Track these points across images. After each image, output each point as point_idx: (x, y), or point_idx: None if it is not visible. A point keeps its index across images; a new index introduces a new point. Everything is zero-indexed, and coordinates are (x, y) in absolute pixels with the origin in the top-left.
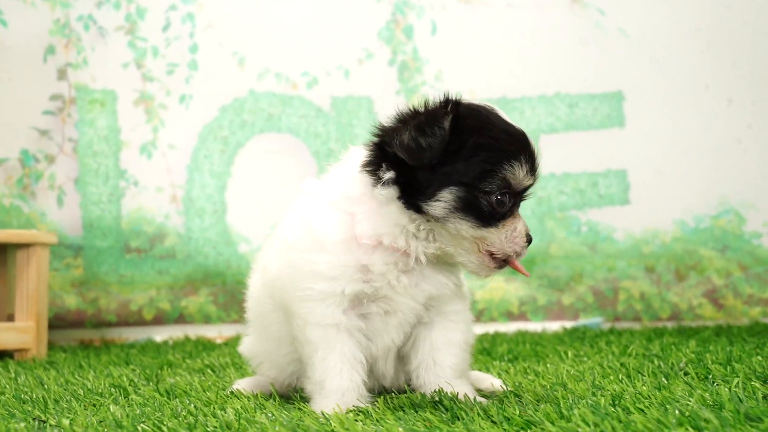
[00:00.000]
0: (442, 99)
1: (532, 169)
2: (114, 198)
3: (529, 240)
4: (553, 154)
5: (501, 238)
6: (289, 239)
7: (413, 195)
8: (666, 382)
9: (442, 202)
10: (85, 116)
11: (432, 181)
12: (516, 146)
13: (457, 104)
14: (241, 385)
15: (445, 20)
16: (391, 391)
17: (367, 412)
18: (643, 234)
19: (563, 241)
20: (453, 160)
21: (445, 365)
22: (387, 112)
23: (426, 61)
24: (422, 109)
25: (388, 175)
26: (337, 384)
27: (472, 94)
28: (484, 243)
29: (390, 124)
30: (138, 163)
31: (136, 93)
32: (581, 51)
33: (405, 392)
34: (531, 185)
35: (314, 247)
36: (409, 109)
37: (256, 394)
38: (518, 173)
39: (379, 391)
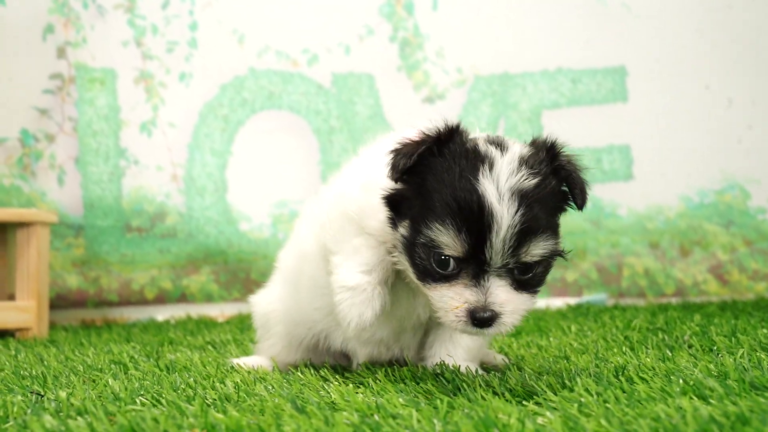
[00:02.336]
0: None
1: (472, 242)
2: (114, 177)
3: (480, 321)
4: (557, 130)
5: (437, 302)
6: (346, 193)
7: (397, 211)
8: (670, 354)
9: (399, 233)
10: (84, 95)
11: (409, 205)
12: (455, 206)
13: (451, 132)
14: (241, 361)
15: None
16: (393, 363)
17: (368, 383)
18: (647, 210)
19: (566, 217)
20: (423, 193)
21: (459, 344)
22: (388, 89)
23: (427, 37)
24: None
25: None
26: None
27: (473, 71)
28: None
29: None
30: (138, 141)
31: (136, 71)
32: (584, 25)
33: (407, 365)
34: (482, 260)
35: (366, 211)
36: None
37: (256, 368)
38: (448, 241)
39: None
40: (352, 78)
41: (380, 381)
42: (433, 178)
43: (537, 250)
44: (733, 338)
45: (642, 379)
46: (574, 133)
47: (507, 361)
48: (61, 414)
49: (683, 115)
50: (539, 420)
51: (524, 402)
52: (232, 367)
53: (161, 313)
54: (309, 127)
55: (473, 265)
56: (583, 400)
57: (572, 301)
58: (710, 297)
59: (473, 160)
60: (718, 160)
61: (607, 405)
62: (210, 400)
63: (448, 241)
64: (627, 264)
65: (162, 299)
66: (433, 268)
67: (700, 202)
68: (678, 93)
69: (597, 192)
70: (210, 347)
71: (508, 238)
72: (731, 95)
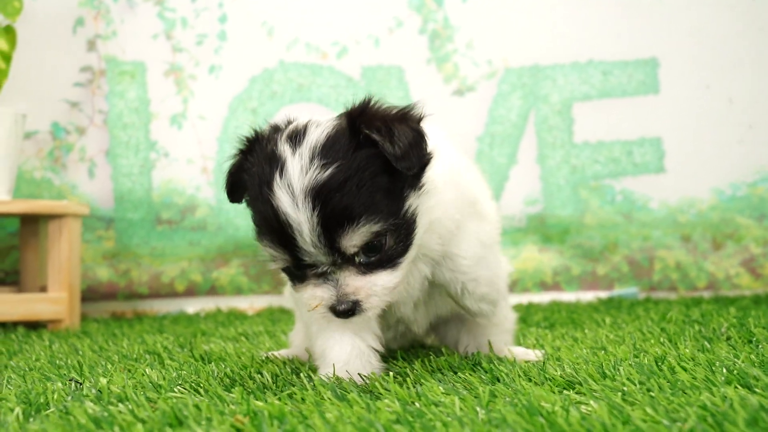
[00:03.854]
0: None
1: (289, 250)
2: (145, 170)
3: (342, 313)
4: (587, 123)
5: (303, 304)
6: None
7: None
8: (709, 345)
9: None
10: (114, 88)
11: None
12: (263, 221)
13: (253, 140)
14: (276, 353)
15: None
16: (429, 353)
17: (405, 373)
18: (678, 202)
19: (597, 211)
20: (251, 206)
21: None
22: (417, 82)
23: (457, 29)
24: None
25: None
26: (337, 354)
27: (504, 63)
28: None
29: None
30: (168, 134)
31: (166, 64)
32: (615, 17)
33: (443, 354)
34: (309, 265)
35: None
36: None
37: (291, 359)
38: (273, 253)
39: (415, 345)
40: (381, 71)
41: (417, 371)
42: (249, 191)
43: (356, 238)
44: None
45: (683, 368)
46: (606, 126)
47: (542, 355)
48: (102, 401)
49: (715, 107)
50: (583, 408)
51: (566, 390)
52: (268, 358)
53: (191, 306)
54: None
55: (316, 268)
56: (626, 388)
57: (603, 294)
58: (743, 291)
59: (269, 165)
60: (751, 153)
61: (651, 394)
62: (250, 389)
63: (273, 253)
64: (658, 257)
65: (192, 292)
66: (291, 272)
67: (733, 194)
68: (710, 84)
69: (628, 185)
70: (243, 338)
71: (316, 241)
72: (764, 86)
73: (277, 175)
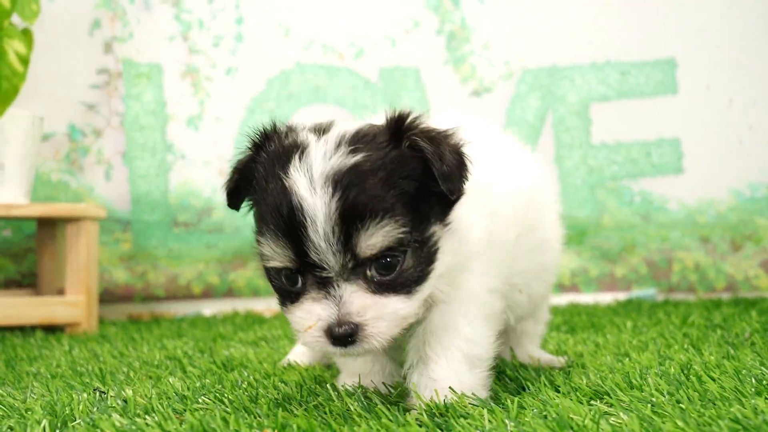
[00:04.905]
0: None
1: (293, 244)
2: (161, 172)
3: (340, 339)
4: (605, 123)
5: (293, 326)
6: None
7: None
8: (733, 352)
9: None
10: (131, 90)
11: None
12: (270, 210)
13: (267, 134)
14: (296, 356)
15: None
16: None
17: None
18: (697, 203)
19: (615, 212)
20: (256, 207)
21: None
22: (434, 83)
23: (474, 30)
24: None
25: None
26: (359, 367)
27: (521, 63)
28: None
29: None
30: (185, 136)
31: (183, 66)
32: (633, 17)
33: None
34: (312, 266)
35: None
36: None
37: (314, 365)
38: (270, 251)
39: None
40: (398, 72)
41: None
42: (257, 189)
43: (375, 238)
44: None
45: (711, 378)
46: (624, 126)
47: (564, 361)
48: (129, 412)
49: (734, 108)
50: (613, 420)
51: (592, 401)
52: (290, 365)
53: (208, 308)
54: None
55: (316, 275)
56: (655, 400)
57: (621, 296)
58: (762, 292)
59: (288, 154)
60: None
61: (681, 405)
62: (274, 399)
63: (270, 251)
64: (677, 258)
65: (209, 294)
66: (285, 287)
67: (752, 195)
68: (729, 85)
69: (646, 185)
70: (263, 343)
71: (329, 232)
72: None
73: (296, 159)
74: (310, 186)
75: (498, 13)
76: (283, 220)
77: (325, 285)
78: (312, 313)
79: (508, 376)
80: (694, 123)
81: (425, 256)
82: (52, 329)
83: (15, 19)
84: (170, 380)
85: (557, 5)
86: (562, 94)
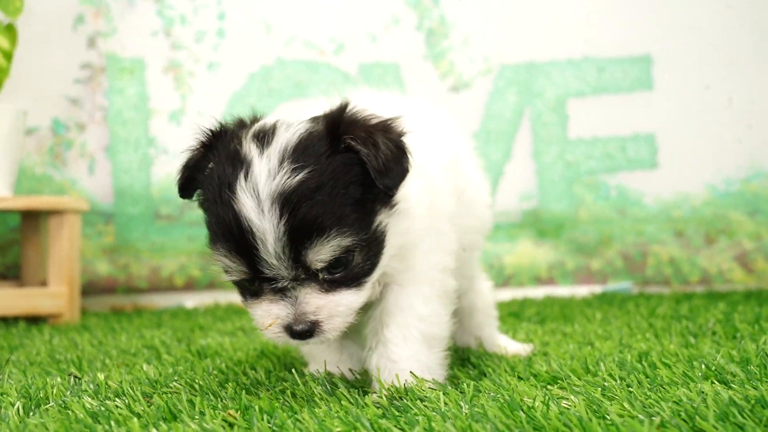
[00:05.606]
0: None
1: (247, 260)
2: (144, 165)
3: (299, 335)
4: (582, 119)
5: (255, 322)
6: None
7: None
8: (694, 341)
9: None
10: (114, 84)
11: None
12: (220, 228)
13: (215, 135)
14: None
15: None
16: None
17: None
18: (672, 198)
19: (592, 206)
20: (205, 208)
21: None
22: (414, 78)
23: (453, 26)
24: None
25: None
26: (327, 355)
27: (499, 59)
28: None
29: None
30: (167, 130)
31: (165, 61)
32: (609, 14)
33: None
34: (268, 278)
35: None
36: None
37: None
38: (227, 264)
39: None
40: (378, 67)
41: None
42: (206, 192)
43: (323, 253)
44: (756, 325)
45: (665, 364)
46: (600, 122)
47: (531, 349)
48: (100, 395)
49: (709, 104)
50: (563, 403)
51: (549, 386)
52: (262, 352)
53: (190, 300)
54: None
55: (275, 282)
56: (606, 384)
57: (597, 289)
58: (735, 285)
59: (232, 166)
60: (744, 149)
61: (630, 389)
62: (243, 385)
63: (229, 264)
64: (652, 252)
65: (191, 286)
66: (244, 285)
67: (726, 190)
68: (704, 81)
69: (622, 180)
70: (240, 333)
71: (280, 252)
72: (758, 81)
73: (241, 177)
74: (258, 208)
75: (477, 10)
76: (234, 240)
77: (282, 288)
78: (270, 313)
79: (472, 363)
80: (669, 118)
81: (374, 249)
82: (35, 320)
83: None
84: (144, 367)
85: (536, 2)
86: (539, 90)
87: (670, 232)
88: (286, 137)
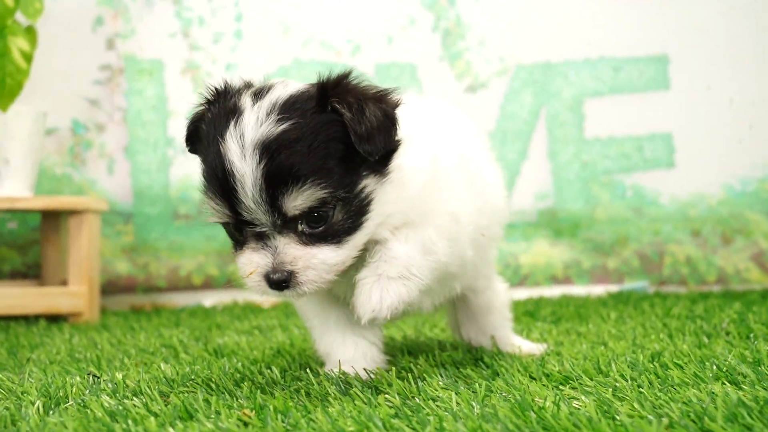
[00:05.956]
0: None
1: (228, 203)
2: (163, 166)
3: (276, 284)
4: (598, 118)
5: (239, 271)
6: None
7: None
8: (707, 341)
9: None
10: (133, 85)
11: None
12: (209, 172)
13: (218, 92)
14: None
15: None
16: (434, 348)
17: (409, 368)
18: (689, 197)
19: (608, 205)
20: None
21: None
22: (430, 79)
23: (469, 27)
24: None
25: None
26: (342, 354)
27: (515, 60)
28: None
29: None
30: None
31: (183, 62)
32: (626, 14)
33: (447, 349)
34: (248, 223)
35: None
36: None
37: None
38: (212, 207)
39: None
40: (394, 68)
41: (421, 366)
42: (202, 140)
43: (298, 200)
44: None
45: (677, 365)
46: (616, 122)
47: (544, 349)
48: (118, 394)
49: (725, 103)
50: (574, 404)
51: (561, 386)
52: (278, 351)
53: (208, 299)
54: None
55: (255, 227)
56: (618, 384)
57: (613, 288)
58: (752, 285)
59: (226, 117)
60: (761, 148)
61: (641, 390)
62: (259, 384)
63: (213, 206)
64: (668, 252)
65: (209, 285)
66: (234, 236)
67: (743, 190)
68: (720, 80)
69: (639, 180)
70: (257, 332)
71: (257, 196)
72: None
73: (231, 125)
74: (241, 153)
75: (493, 10)
76: (219, 182)
77: (262, 237)
78: (252, 261)
79: (485, 363)
80: (686, 118)
81: (355, 209)
82: (55, 319)
83: (19, 17)
84: (162, 366)
85: (551, 2)
86: (555, 90)
87: (687, 232)
88: (278, 93)
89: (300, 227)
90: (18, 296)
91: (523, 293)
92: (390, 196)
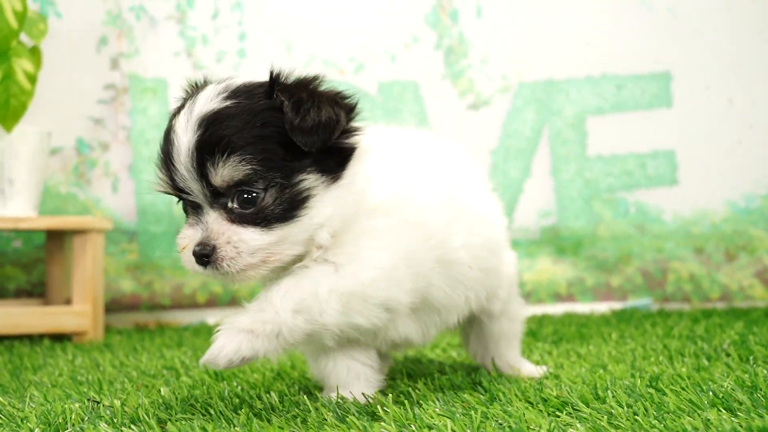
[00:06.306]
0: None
1: (167, 171)
2: None
3: (198, 257)
4: (601, 136)
5: (177, 240)
6: None
7: None
8: (707, 363)
9: None
10: (137, 104)
11: None
12: (160, 143)
13: (195, 86)
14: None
15: (490, 3)
16: (434, 371)
17: (408, 393)
18: (692, 214)
19: (611, 223)
20: None
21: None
22: (433, 97)
23: (471, 45)
24: None
25: None
26: (335, 379)
27: (518, 77)
28: None
29: None
30: None
31: (187, 81)
32: (628, 31)
33: (446, 373)
34: (182, 191)
35: None
36: None
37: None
38: (155, 177)
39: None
40: (397, 86)
41: (420, 390)
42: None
43: (224, 171)
44: None
45: (673, 390)
46: (619, 139)
47: (544, 371)
48: (116, 421)
49: (728, 121)
50: (570, 431)
51: (558, 412)
52: (278, 374)
53: (212, 317)
54: None
55: (188, 200)
56: (613, 411)
57: (617, 305)
58: (756, 302)
59: (187, 100)
60: (765, 165)
61: (637, 417)
62: (257, 410)
63: (157, 176)
64: (672, 269)
65: (213, 303)
66: (184, 210)
67: (746, 206)
68: (721, 98)
69: (642, 197)
70: None
71: (189, 163)
72: None
73: (187, 105)
74: (186, 125)
75: (495, 28)
76: (163, 152)
77: (197, 212)
78: (186, 236)
79: (483, 387)
80: (689, 135)
81: (289, 198)
82: (59, 338)
83: (23, 38)
84: (162, 390)
85: (553, 20)
86: (558, 108)
87: (690, 249)
88: (236, 81)
89: (230, 204)
90: (22, 315)
91: (526, 311)
92: (338, 200)
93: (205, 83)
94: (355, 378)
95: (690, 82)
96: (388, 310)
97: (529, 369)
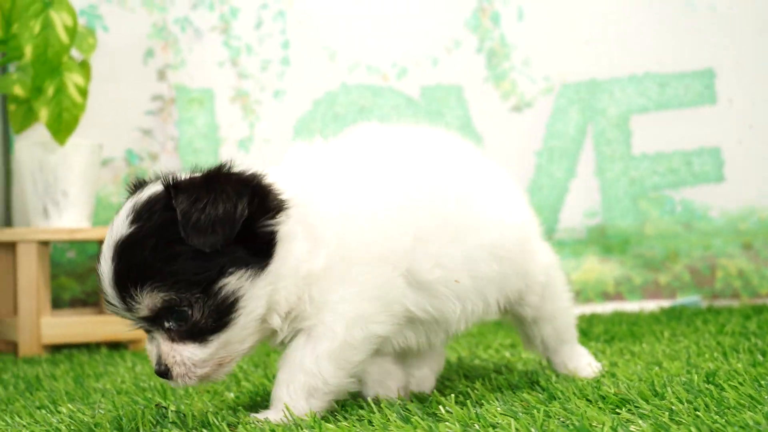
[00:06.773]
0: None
1: (105, 296)
2: None
3: (161, 375)
4: (645, 134)
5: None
6: None
7: None
8: (762, 358)
9: None
10: (184, 115)
11: None
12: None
13: (134, 187)
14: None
15: (531, 5)
16: (491, 371)
17: (467, 393)
18: (739, 211)
19: (657, 221)
20: None
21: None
22: (476, 100)
23: (514, 47)
24: None
25: None
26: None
27: (561, 78)
28: None
29: None
30: (236, 158)
31: (232, 90)
32: (670, 29)
33: (503, 373)
34: (125, 317)
35: None
36: None
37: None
38: (104, 296)
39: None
40: (440, 90)
41: (478, 390)
42: None
43: (145, 301)
44: None
45: (732, 386)
46: (664, 137)
47: (598, 370)
48: (187, 425)
49: None
50: (632, 428)
51: (617, 410)
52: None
53: None
54: None
55: (141, 321)
56: (674, 407)
57: (665, 303)
58: None
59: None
60: None
61: (698, 413)
62: (322, 412)
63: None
64: (720, 265)
65: None
66: None
67: None
68: (767, 93)
69: (688, 194)
70: None
71: (114, 293)
72: None
73: (111, 224)
74: (106, 252)
75: (536, 30)
76: (98, 276)
77: (150, 331)
78: (148, 351)
79: (541, 386)
80: (734, 131)
81: (214, 308)
82: (115, 346)
83: (73, 52)
84: (226, 394)
85: (594, 20)
86: (602, 107)
87: (738, 245)
88: (143, 194)
89: (167, 324)
90: (80, 324)
91: (575, 310)
92: (268, 289)
93: (141, 184)
94: (384, 377)
95: (734, 78)
96: (379, 337)
97: (586, 372)
